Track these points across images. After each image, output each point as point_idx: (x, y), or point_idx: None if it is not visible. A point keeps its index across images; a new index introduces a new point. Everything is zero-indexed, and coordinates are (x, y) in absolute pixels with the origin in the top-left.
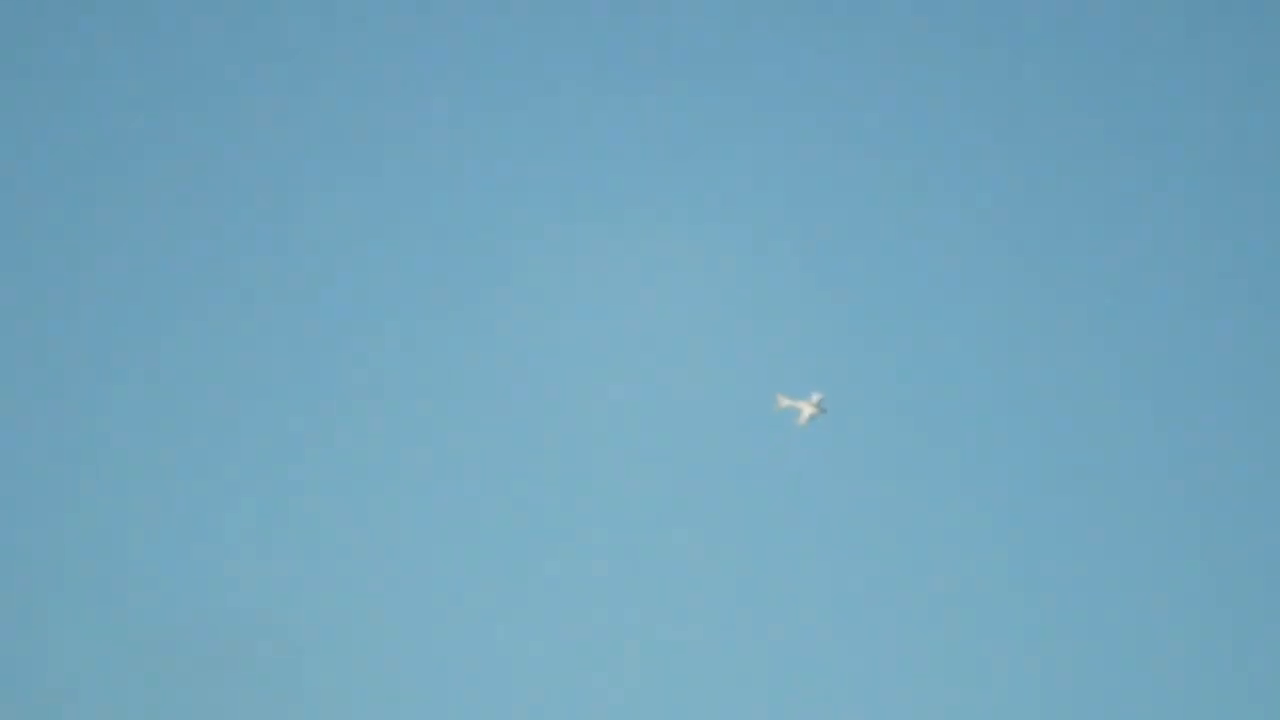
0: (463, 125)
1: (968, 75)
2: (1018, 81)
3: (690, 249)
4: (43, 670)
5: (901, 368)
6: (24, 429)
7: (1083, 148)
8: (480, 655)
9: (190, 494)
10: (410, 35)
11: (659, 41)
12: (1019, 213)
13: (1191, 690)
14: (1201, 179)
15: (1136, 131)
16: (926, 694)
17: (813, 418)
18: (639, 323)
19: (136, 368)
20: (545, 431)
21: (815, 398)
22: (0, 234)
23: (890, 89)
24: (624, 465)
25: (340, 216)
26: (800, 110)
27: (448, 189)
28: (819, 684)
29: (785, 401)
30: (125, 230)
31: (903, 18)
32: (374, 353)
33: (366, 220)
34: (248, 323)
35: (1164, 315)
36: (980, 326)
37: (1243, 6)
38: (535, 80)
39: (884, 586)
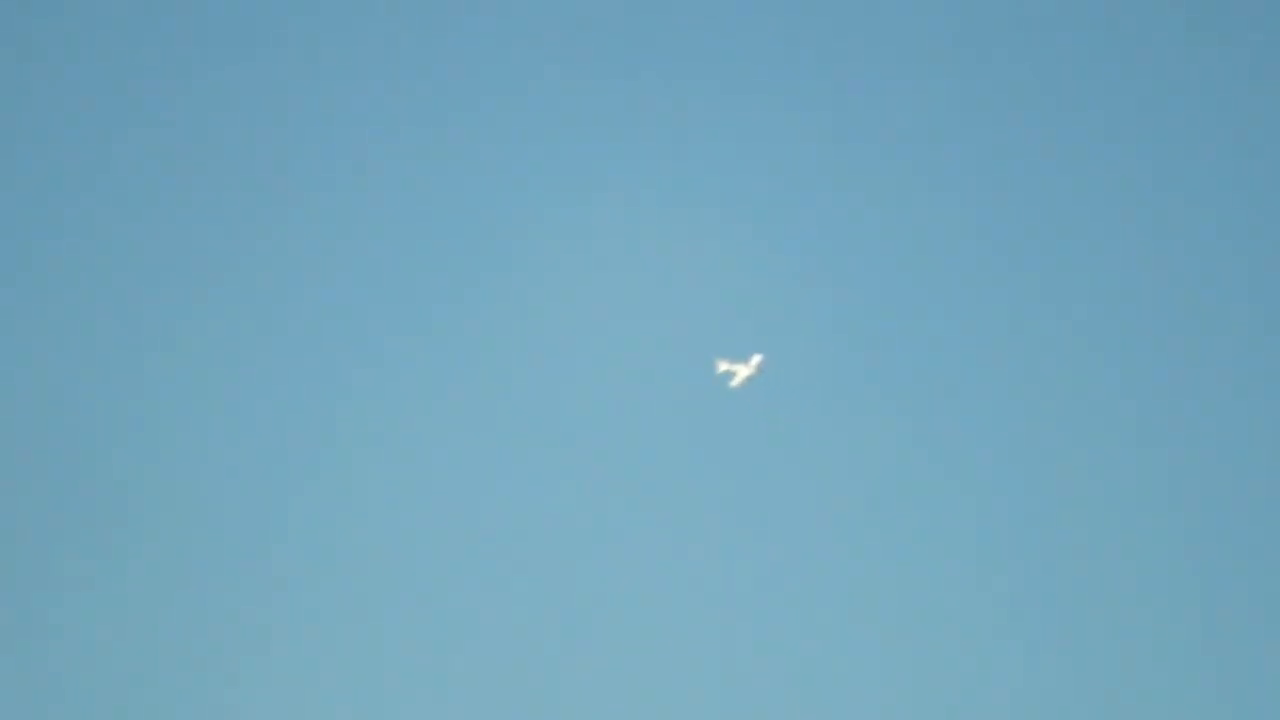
0: (455, 115)
1: (960, 65)
2: (1009, 70)
3: (685, 239)
4: None
5: (897, 360)
6: None
7: (1080, 144)
8: (474, 646)
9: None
10: (399, 25)
11: (652, 32)
12: (1009, 196)
13: (1189, 687)
14: (1199, 181)
15: (1131, 130)
16: (923, 695)
17: (749, 379)
18: (632, 314)
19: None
20: (537, 422)
21: (755, 360)
22: None
23: (886, 76)
24: (611, 457)
25: (331, 209)
26: (794, 98)
27: (441, 181)
28: (818, 684)
29: (724, 365)
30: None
31: (897, 9)
32: (362, 341)
33: (358, 211)
34: (236, 319)
35: (1156, 302)
36: (971, 319)
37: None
38: (527, 70)
39: (882, 586)
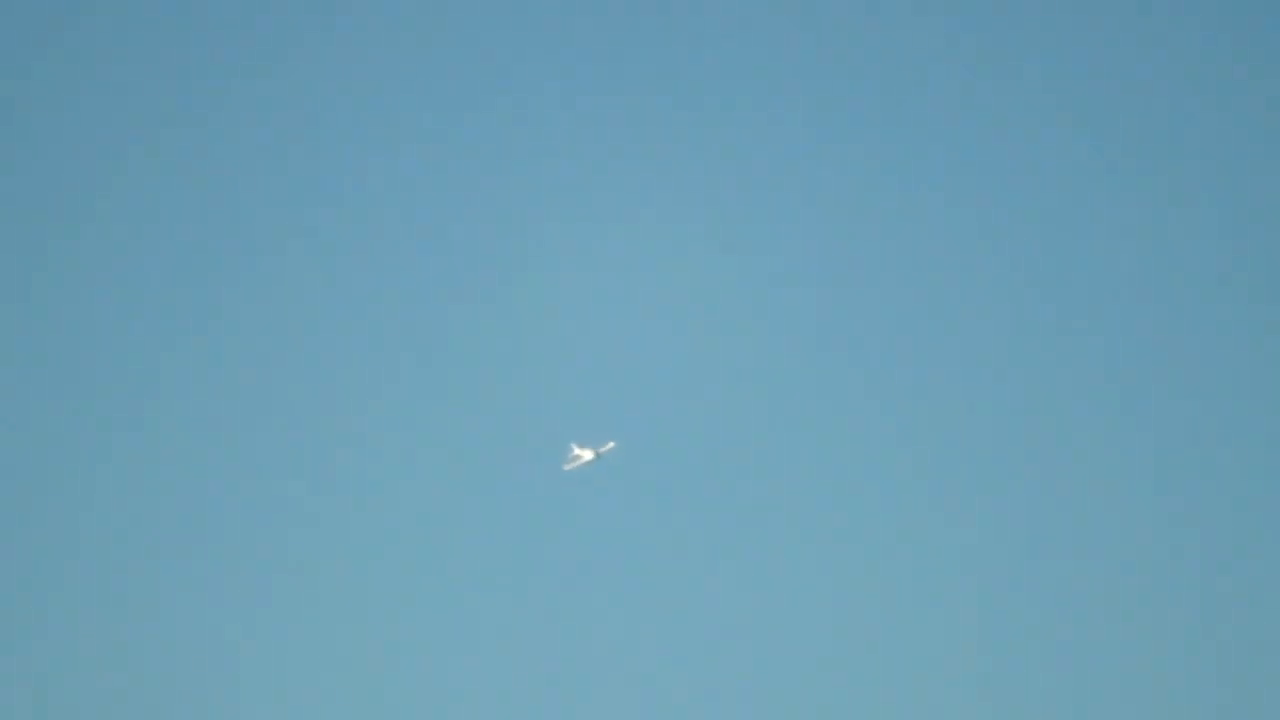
0: (459, 123)
1: (962, 76)
2: (1009, 79)
3: (691, 247)
4: None
5: (900, 369)
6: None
7: (1078, 150)
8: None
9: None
10: (409, 32)
11: (655, 40)
12: (1009, 212)
13: (1189, 690)
14: (1194, 186)
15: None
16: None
17: (586, 463)
18: (636, 323)
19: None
20: (542, 434)
21: (606, 446)
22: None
23: (887, 87)
24: (615, 468)
25: (338, 214)
26: (799, 110)
27: (444, 188)
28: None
29: (577, 449)
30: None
31: (899, 19)
32: (368, 350)
33: (363, 217)
34: (244, 324)
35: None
36: (973, 329)
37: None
38: (533, 77)
39: (880, 589)
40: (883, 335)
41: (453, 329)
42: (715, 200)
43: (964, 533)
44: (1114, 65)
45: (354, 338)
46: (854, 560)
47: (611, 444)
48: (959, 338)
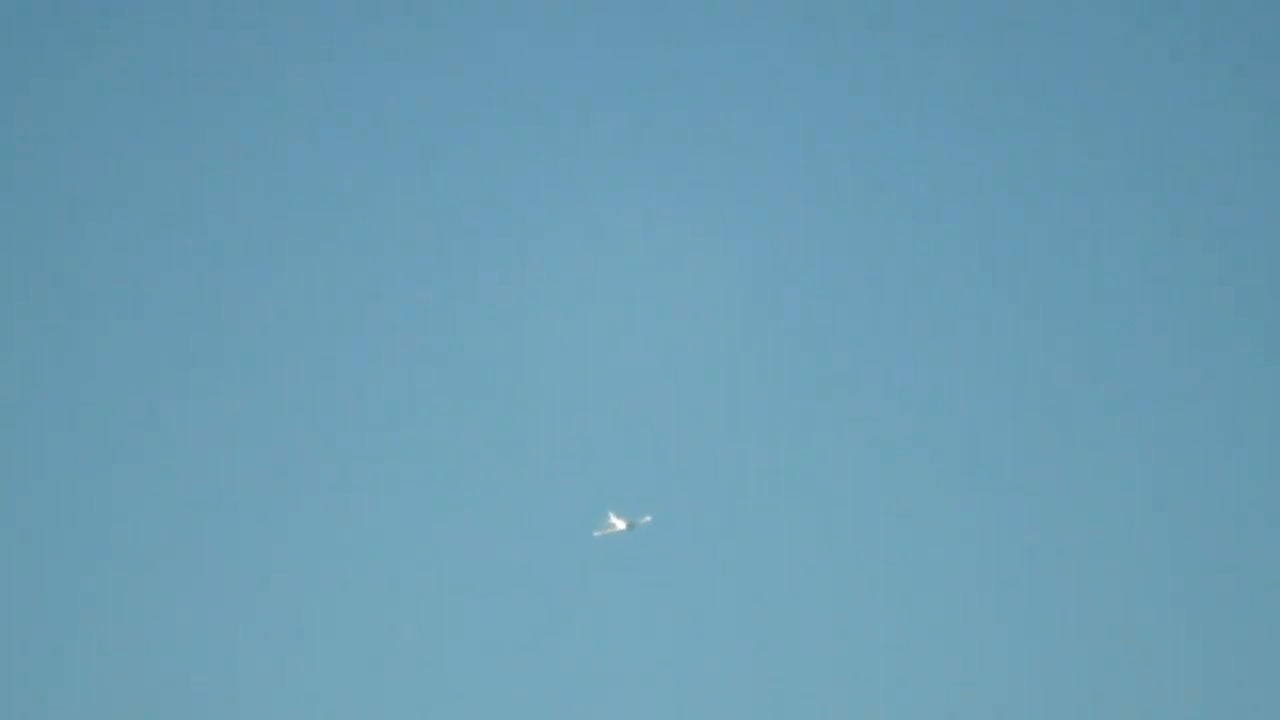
0: (458, 124)
1: (963, 80)
2: (1007, 82)
3: (686, 248)
4: None
5: (898, 372)
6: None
7: (1076, 152)
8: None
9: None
10: (408, 35)
11: (655, 45)
12: (1008, 214)
13: (1188, 690)
14: (1191, 190)
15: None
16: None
17: (619, 531)
18: (631, 325)
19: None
20: (540, 434)
21: (644, 519)
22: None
23: (890, 88)
24: (612, 468)
25: (338, 216)
26: (794, 113)
27: (444, 189)
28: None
29: (613, 518)
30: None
31: (898, 20)
32: (369, 351)
33: (363, 220)
34: (244, 324)
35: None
36: (971, 335)
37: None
38: (531, 80)
39: (889, 598)
40: (891, 340)
41: (480, 361)
42: (738, 209)
43: (983, 550)
44: (1113, 64)
45: (382, 372)
46: (861, 565)
47: (648, 518)
48: (961, 343)
